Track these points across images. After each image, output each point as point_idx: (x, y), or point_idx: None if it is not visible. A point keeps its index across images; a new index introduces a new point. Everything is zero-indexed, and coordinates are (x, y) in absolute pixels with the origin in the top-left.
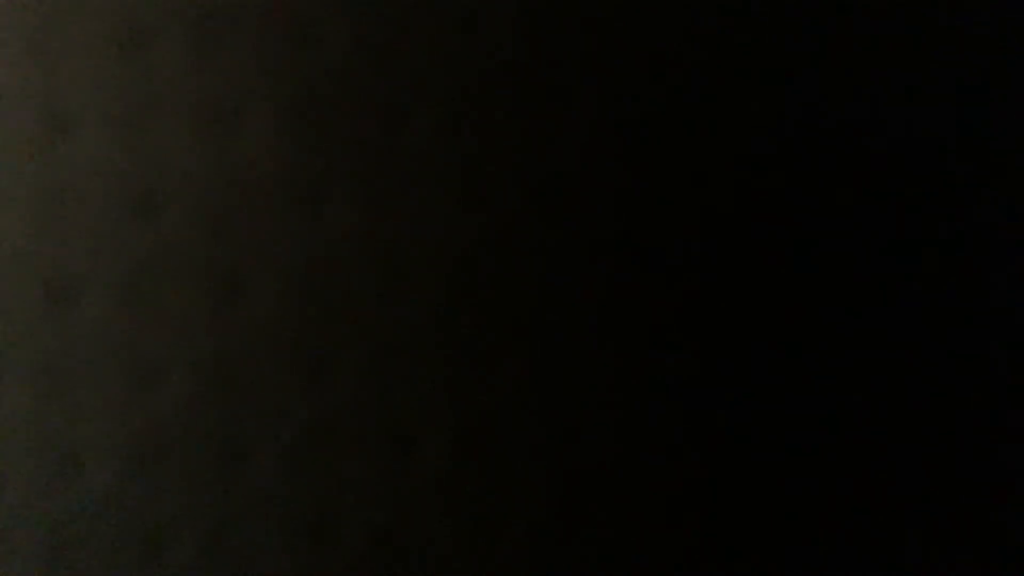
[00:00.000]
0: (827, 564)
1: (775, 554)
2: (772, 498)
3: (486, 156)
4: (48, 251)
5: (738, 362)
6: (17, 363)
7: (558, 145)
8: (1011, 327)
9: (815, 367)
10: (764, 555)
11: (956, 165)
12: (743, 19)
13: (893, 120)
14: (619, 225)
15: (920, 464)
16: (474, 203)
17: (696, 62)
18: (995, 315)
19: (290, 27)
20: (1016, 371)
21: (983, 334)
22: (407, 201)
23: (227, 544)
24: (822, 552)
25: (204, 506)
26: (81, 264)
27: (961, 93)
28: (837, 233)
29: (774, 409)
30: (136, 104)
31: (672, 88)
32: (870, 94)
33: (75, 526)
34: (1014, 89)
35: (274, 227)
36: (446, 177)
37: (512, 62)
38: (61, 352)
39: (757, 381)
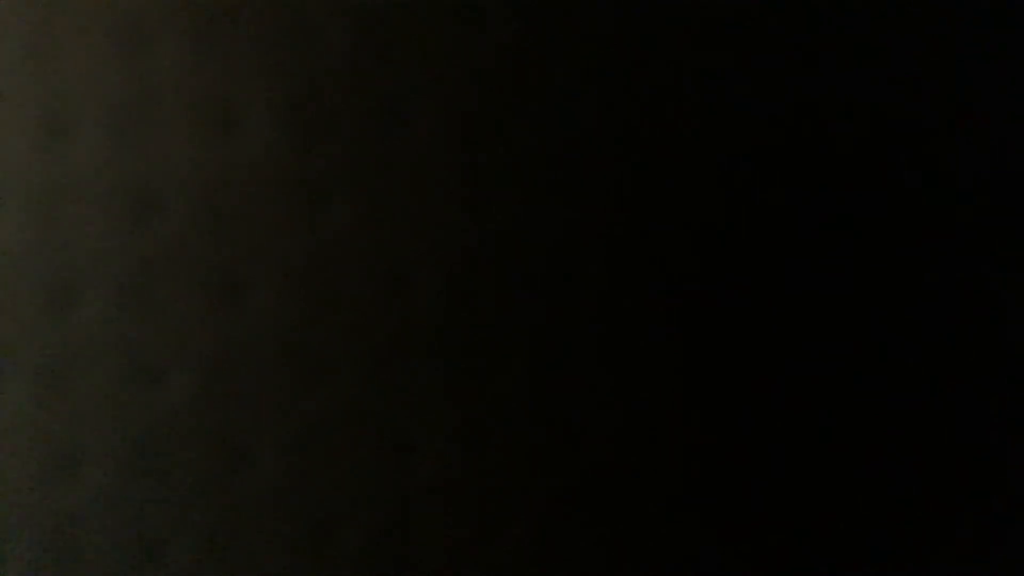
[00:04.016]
0: (828, 564)
1: (776, 554)
2: (773, 498)
3: (486, 156)
4: (48, 251)
5: (739, 362)
6: (17, 363)
7: (559, 145)
8: (1011, 327)
9: (816, 367)
10: (765, 555)
11: (957, 164)
12: (744, 18)
13: (894, 118)
14: (620, 225)
15: (920, 464)
16: (474, 203)
17: (699, 61)
18: (996, 315)
19: (290, 27)
20: (1017, 371)
21: (984, 334)
22: (407, 201)
23: (227, 544)
24: (823, 552)
25: (204, 506)
26: (81, 264)
27: (962, 90)
28: (838, 232)
29: (775, 409)
30: (136, 104)
31: (674, 87)
32: (872, 93)
33: (74, 526)
34: (1014, 88)
35: (274, 227)
36: (446, 177)
37: (513, 61)
38: (61, 352)
39: (758, 381)
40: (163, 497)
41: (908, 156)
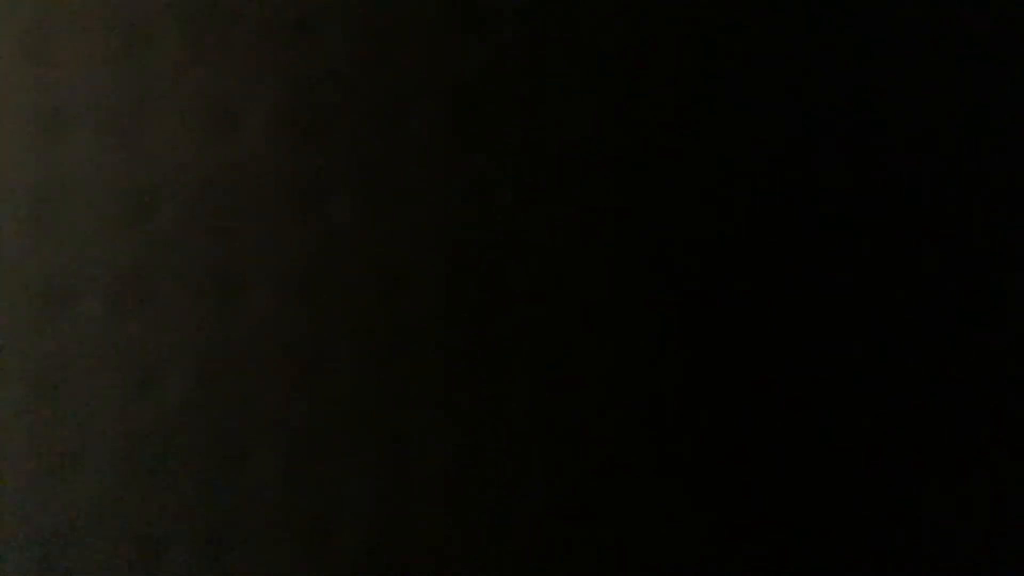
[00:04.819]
0: (828, 564)
1: (776, 554)
2: (773, 498)
3: (485, 155)
4: (44, 251)
5: (739, 362)
6: (14, 364)
7: (559, 144)
8: (1012, 327)
9: (816, 367)
10: (765, 555)
11: (957, 164)
12: (744, 17)
13: (894, 119)
14: (620, 224)
15: (920, 464)
16: (473, 202)
17: (699, 61)
18: (996, 315)
19: (289, 25)
20: (1017, 371)
21: (984, 334)
22: (406, 200)
23: (225, 546)
24: (823, 552)
25: (202, 507)
26: (78, 265)
27: (962, 90)
28: (838, 233)
29: (775, 409)
30: (133, 103)
31: (674, 86)
32: (872, 94)
33: (72, 528)
34: (1014, 88)
35: (272, 227)
36: (446, 177)
37: (513, 61)
38: (58, 353)
39: (758, 381)
40: (161, 498)
41: (908, 156)
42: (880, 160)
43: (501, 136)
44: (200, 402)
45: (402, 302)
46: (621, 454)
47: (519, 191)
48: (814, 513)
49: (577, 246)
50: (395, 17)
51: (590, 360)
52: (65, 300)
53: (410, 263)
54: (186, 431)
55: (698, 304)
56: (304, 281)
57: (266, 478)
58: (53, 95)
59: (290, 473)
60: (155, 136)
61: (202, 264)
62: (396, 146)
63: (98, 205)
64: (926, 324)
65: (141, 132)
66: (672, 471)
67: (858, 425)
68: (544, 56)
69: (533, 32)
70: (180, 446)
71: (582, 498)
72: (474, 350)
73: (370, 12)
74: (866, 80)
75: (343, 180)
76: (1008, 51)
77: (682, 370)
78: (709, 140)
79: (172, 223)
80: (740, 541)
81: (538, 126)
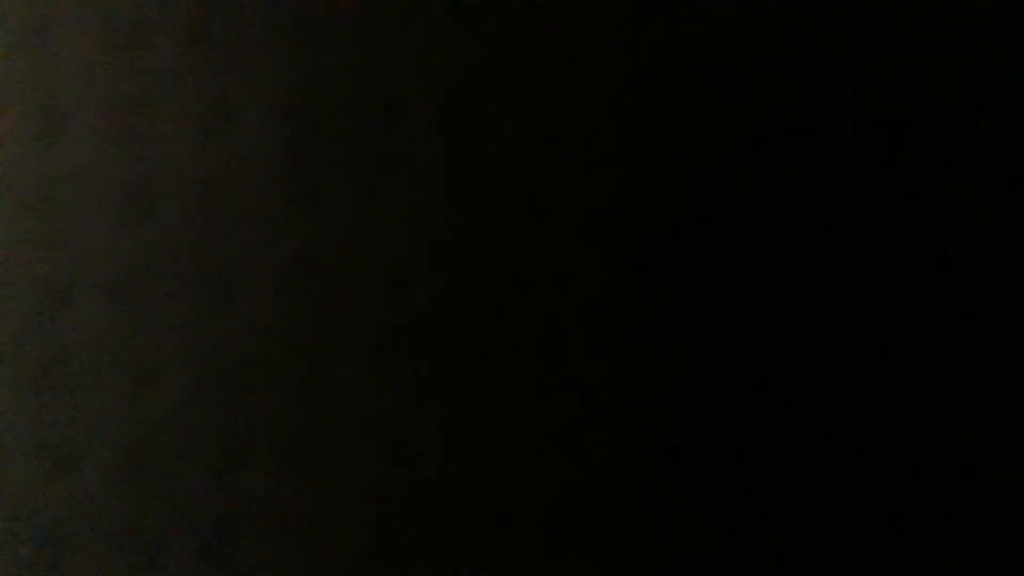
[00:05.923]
0: (828, 564)
1: (776, 554)
2: (773, 498)
3: (484, 154)
4: (42, 251)
5: (738, 362)
6: (12, 364)
7: (557, 142)
8: (1012, 327)
9: (816, 367)
10: (765, 555)
11: (957, 164)
12: (742, 16)
13: (894, 119)
14: (618, 223)
15: (920, 464)
16: (472, 201)
17: (699, 61)
18: (996, 315)
19: (286, 24)
20: (1017, 371)
21: (984, 334)
22: (404, 199)
23: (224, 546)
24: (823, 552)
25: (201, 508)
26: (76, 264)
27: (962, 90)
28: (837, 232)
29: (775, 409)
30: (131, 102)
31: (672, 84)
32: (872, 94)
33: (71, 528)
34: (1014, 89)
35: (271, 226)
36: (444, 175)
37: (510, 58)
38: (56, 353)
39: (758, 381)
40: (160, 498)
41: (908, 156)
42: (880, 160)
43: (497, 135)
44: (199, 402)
45: (399, 301)
46: (621, 454)
47: (516, 190)
48: (814, 513)
49: (576, 244)
50: (393, 17)
51: (590, 359)
52: (63, 300)
53: (408, 262)
54: (184, 431)
55: (698, 304)
56: (303, 280)
57: (265, 478)
58: (52, 94)
59: (289, 473)
60: (154, 135)
61: (201, 263)
62: (394, 145)
63: (97, 204)
64: (926, 324)
65: (140, 131)
66: (672, 471)
67: (858, 425)
68: (542, 53)
69: (530, 31)
70: (179, 446)
71: (582, 498)
72: (472, 348)
73: (368, 12)
74: (867, 80)
75: (341, 179)
76: (1008, 51)
77: (682, 370)
78: (708, 140)
79: (171, 222)
80: (740, 541)
81: (536, 123)
